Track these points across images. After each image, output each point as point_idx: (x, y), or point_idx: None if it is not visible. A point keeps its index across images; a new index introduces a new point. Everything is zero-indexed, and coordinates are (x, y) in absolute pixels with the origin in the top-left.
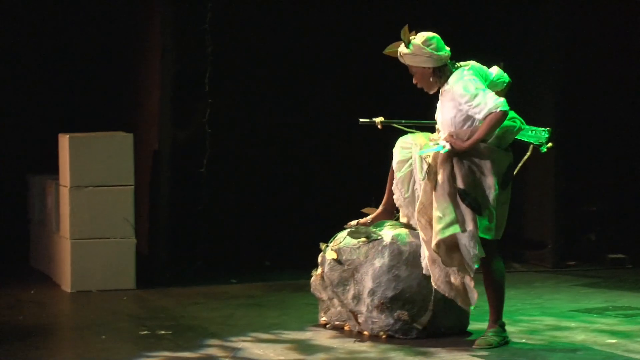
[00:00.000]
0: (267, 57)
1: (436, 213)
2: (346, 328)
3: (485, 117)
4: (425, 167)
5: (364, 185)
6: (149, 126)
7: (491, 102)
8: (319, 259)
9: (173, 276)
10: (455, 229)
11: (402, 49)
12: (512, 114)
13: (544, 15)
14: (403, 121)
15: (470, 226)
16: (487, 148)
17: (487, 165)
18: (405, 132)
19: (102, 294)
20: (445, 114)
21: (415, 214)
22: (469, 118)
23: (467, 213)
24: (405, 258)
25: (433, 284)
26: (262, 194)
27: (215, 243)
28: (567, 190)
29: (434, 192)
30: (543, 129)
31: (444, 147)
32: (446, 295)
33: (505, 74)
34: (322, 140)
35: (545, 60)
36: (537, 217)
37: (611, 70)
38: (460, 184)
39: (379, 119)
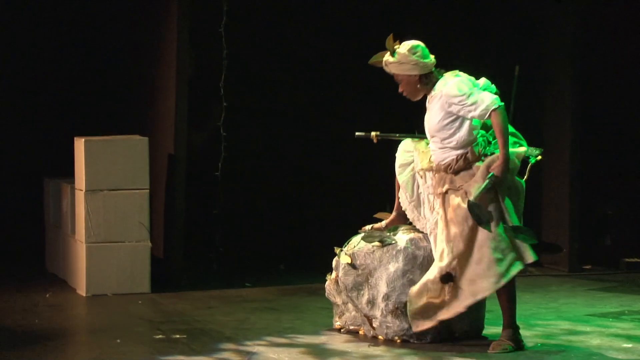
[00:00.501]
0: (282, 60)
1: (494, 255)
2: (361, 332)
3: (481, 114)
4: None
5: (378, 190)
6: (165, 129)
7: (488, 99)
8: (334, 263)
9: (188, 280)
10: (519, 265)
11: (387, 58)
12: (512, 129)
13: (561, 17)
14: (398, 135)
15: (529, 258)
16: (513, 180)
17: (521, 195)
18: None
19: (117, 297)
20: (432, 118)
21: (450, 257)
22: (456, 120)
23: (521, 245)
24: (419, 262)
25: (415, 290)
26: (277, 197)
27: (230, 247)
28: (582, 194)
29: (480, 233)
30: (536, 148)
31: (489, 179)
32: (410, 306)
33: (493, 85)
34: (338, 143)
35: (562, 64)
36: (552, 221)
37: (629, 73)
38: (508, 220)
39: (374, 133)
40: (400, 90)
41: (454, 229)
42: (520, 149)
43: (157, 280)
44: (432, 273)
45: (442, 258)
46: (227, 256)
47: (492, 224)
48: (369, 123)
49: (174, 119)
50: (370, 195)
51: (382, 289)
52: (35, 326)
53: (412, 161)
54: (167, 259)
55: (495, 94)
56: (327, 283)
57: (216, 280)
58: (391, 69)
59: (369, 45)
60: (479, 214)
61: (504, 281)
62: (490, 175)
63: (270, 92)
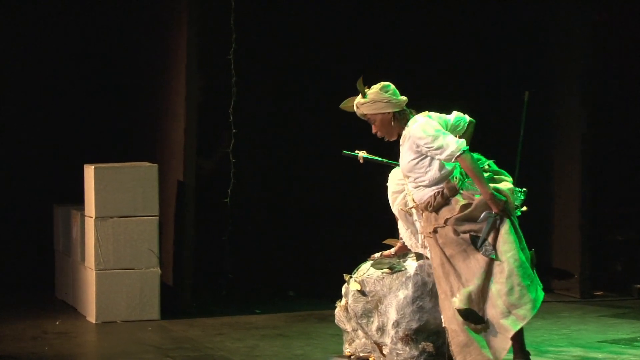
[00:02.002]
0: (291, 87)
1: (524, 282)
2: (371, 359)
3: (447, 159)
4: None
5: (388, 216)
6: (174, 156)
7: (453, 145)
8: (343, 290)
9: (197, 307)
10: (542, 290)
11: (358, 100)
12: (494, 167)
13: (570, 42)
14: (385, 161)
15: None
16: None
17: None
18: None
19: (127, 324)
20: (403, 159)
21: (464, 291)
22: (425, 158)
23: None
24: (429, 289)
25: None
26: (286, 224)
27: (239, 273)
28: (593, 220)
29: (505, 265)
30: (519, 189)
31: (492, 215)
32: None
33: (465, 116)
34: (348, 170)
35: (572, 89)
36: (563, 247)
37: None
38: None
39: (361, 153)
40: (374, 131)
41: (459, 264)
42: (504, 184)
43: (166, 307)
44: (451, 320)
45: (453, 294)
46: (236, 283)
47: (513, 252)
48: (379, 152)
49: (184, 146)
50: (380, 222)
51: (392, 315)
52: (45, 353)
53: (404, 189)
54: (177, 285)
55: (470, 123)
56: (336, 310)
57: (226, 307)
58: (363, 110)
59: (385, 74)
60: (485, 246)
61: (538, 306)
62: (492, 214)
63: (280, 119)
